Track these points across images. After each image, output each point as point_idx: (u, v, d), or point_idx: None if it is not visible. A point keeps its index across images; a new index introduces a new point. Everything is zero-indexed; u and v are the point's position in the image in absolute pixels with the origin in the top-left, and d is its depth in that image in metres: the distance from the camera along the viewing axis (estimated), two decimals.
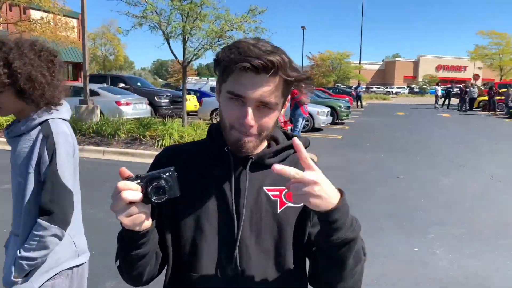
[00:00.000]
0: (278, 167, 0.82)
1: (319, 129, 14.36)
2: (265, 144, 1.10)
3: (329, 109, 14.94)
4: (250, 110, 0.94)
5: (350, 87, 39.37)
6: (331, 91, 27.65)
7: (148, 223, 0.89)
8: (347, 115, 17.34)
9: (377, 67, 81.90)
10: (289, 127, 10.74)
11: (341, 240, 0.89)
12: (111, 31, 32.92)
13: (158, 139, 9.30)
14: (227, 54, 0.94)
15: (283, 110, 1.07)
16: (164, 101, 14.96)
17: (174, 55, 10.83)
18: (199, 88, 20.07)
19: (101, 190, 6.31)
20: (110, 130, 9.72)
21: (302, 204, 1.01)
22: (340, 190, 0.90)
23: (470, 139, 13.04)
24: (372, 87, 60.54)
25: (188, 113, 16.16)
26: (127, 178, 0.86)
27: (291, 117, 10.44)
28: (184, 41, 10.40)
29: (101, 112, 11.31)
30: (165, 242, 1.05)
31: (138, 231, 0.89)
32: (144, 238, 0.92)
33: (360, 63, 44.75)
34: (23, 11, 22.28)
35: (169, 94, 15.63)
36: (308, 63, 45.64)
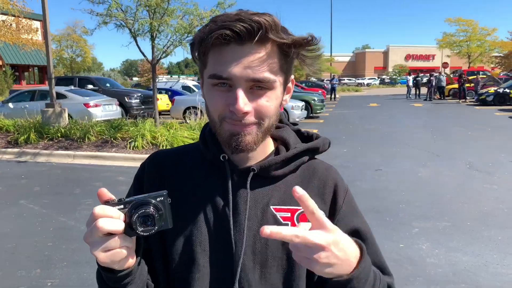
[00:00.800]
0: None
1: (294, 124, 14.20)
2: (271, 147, 0.89)
3: (303, 103, 14.88)
4: (240, 92, 0.73)
5: (322, 80, 39.61)
6: (303, 84, 27.68)
7: (131, 261, 0.70)
8: (322, 109, 17.34)
9: (347, 59, 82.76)
10: None
11: None
12: (76, 32, 31.99)
13: (130, 140, 8.99)
14: (202, 29, 0.74)
15: (287, 96, 0.85)
16: (134, 101, 14.62)
17: (143, 53, 10.47)
18: (170, 87, 19.73)
19: (71, 196, 6.01)
20: (80, 133, 9.38)
21: None
22: (360, 247, 0.71)
23: (444, 128, 13.21)
24: (344, 79, 61.14)
25: (160, 113, 15.82)
26: (107, 202, 0.67)
27: None
28: (152, 39, 10.05)
29: (69, 115, 10.88)
30: (155, 271, 0.85)
31: (118, 269, 0.69)
32: (127, 278, 0.72)
33: (331, 55, 45.04)
34: None
35: (139, 94, 15.30)
36: None
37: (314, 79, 39.30)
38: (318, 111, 17.13)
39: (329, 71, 43.31)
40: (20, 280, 3.50)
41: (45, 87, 12.84)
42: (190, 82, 23.48)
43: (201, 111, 10.66)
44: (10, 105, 12.61)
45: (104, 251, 0.65)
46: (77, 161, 8.42)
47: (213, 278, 0.82)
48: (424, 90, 29.58)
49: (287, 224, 0.83)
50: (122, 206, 0.66)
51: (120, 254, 0.66)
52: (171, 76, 51.76)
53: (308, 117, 15.98)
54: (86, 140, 9.23)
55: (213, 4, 11.07)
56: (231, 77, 0.73)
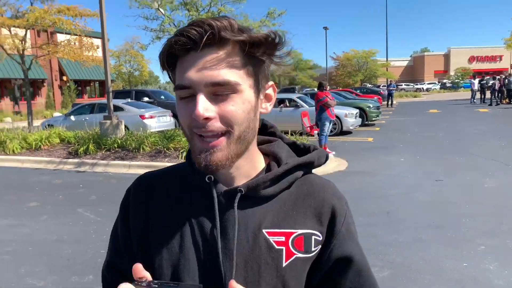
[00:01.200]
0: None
1: (347, 132, 13.84)
2: (261, 164, 0.82)
3: (357, 111, 14.39)
4: (200, 97, 0.68)
5: (378, 86, 38.40)
6: (358, 91, 26.95)
7: None
8: (377, 116, 16.70)
9: (405, 63, 79.67)
10: (315, 132, 10.32)
11: None
12: (134, 48, 33.75)
13: (182, 150, 9.16)
14: (163, 46, 0.71)
15: (269, 105, 0.80)
16: None
17: None
18: None
19: None
20: (135, 144, 9.68)
21: (315, 253, 0.77)
22: None
23: None
24: (401, 85, 58.89)
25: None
26: (138, 283, 0.64)
27: (317, 121, 10.00)
28: None
29: (125, 127, 11.30)
30: None
31: None
32: None
33: (387, 60, 43.60)
34: (50, 36, 23.04)
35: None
36: (333, 64, 45.04)
37: (369, 85, 38.23)
38: (373, 119, 16.51)
39: (385, 77, 41.96)
40: (73, 285, 3.60)
41: (103, 100, 13.49)
42: None
43: None
44: (72, 117, 13.36)
45: None
46: (132, 171, 8.66)
47: None
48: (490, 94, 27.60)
49: (281, 250, 0.75)
50: None
51: None
52: None
53: (363, 124, 15.44)
54: (141, 150, 9.50)
55: (263, 14, 11.04)
56: (189, 83, 0.69)
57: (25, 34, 12.01)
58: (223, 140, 0.71)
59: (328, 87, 10.23)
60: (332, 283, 0.80)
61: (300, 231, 0.77)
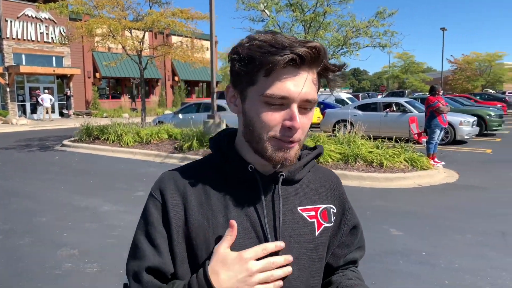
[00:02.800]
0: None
1: (462, 142, 12.55)
2: None
3: (475, 118, 12.95)
4: (296, 111, 0.81)
5: (504, 92, 34.44)
6: (478, 97, 24.41)
7: None
8: (499, 125, 14.87)
9: None
10: (423, 140, 9.53)
11: None
12: None
13: None
14: (257, 52, 0.79)
15: None
16: None
17: None
18: (323, 100, 19.65)
19: None
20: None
21: (333, 223, 0.98)
22: None
23: None
24: None
25: (311, 126, 15.83)
26: None
27: (426, 128, 9.22)
28: None
29: (226, 126, 11.70)
30: None
31: None
32: None
33: None
34: (166, 38, 25.00)
35: None
36: (449, 67, 41.57)
37: (492, 91, 34.47)
38: (494, 128, 14.74)
39: None
40: None
41: (208, 100, 14.14)
42: (344, 95, 23.05)
43: (351, 124, 10.19)
44: (180, 115, 14.26)
45: None
46: None
47: None
48: None
49: (313, 222, 0.93)
50: None
51: None
52: (325, 89, 51.91)
53: (481, 134, 13.89)
54: None
55: (371, 15, 10.57)
56: (289, 96, 0.80)
57: (143, 36, 13.12)
58: (296, 144, 0.85)
59: (442, 91, 9.35)
60: (347, 242, 1.04)
61: (323, 206, 0.96)
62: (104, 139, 12.39)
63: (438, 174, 7.86)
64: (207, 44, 15.02)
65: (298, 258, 0.88)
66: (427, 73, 53.73)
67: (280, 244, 0.82)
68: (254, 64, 0.80)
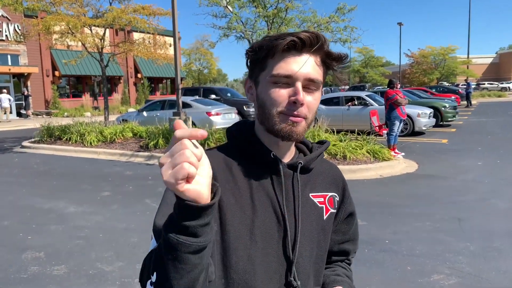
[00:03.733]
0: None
1: (420, 133, 13.10)
2: (294, 148, 1.06)
3: (431, 110, 13.54)
4: (300, 86, 0.90)
5: (457, 85, 35.99)
6: (434, 90, 25.44)
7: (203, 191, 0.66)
8: (454, 116, 15.61)
9: (489, 60, 73.66)
10: (384, 132, 9.88)
11: None
12: (204, 46, 34.79)
13: None
14: (265, 41, 0.91)
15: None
16: (252, 110, 15.04)
17: None
18: None
19: None
20: (200, 140, 9.90)
21: (336, 208, 1.09)
22: None
23: None
24: (484, 83, 54.60)
25: None
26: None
27: (386, 121, 9.56)
28: None
29: (193, 123, 11.66)
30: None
31: (203, 204, 0.65)
32: (210, 216, 0.68)
33: (468, 57, 40.68)
34: (127, 34, 24.45)
35: None
36: (407, 61, 42.96)
37: (446, 84, 35.96)
38: (449, 119, 15.46)
39: (465, 75, 39.23)
40: (137, 272, 3.73)
41: (173, 97, 14.01)
42: None
43: (315, 119, 10.45)
44: (144, 113, 14.04)
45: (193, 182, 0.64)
46: None
47: (273, 259, 0.94)
48: None
49: (322, 207, 1.05)
50: None
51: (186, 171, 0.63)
52: None
53: (437, 125, 14.54)
54: (206, 146, 9.71)
55: (331, 10, 10.77)
56: (293, 75, 0.90)
57: (104, 33, 12.80)
58: (303, 120, 0.93)
59: (399, 84, 9.72)
60: (343, 229, 1.14)
61: (330, 194, 1.07)
62: (66, 139, 12.03)
63: (398, 165, 8.20)
64: (170, 40, 14.83)
65: (309, 237, 0.99)
66: (386, 67, 55.33)
67: (202, 133, 0.65)
68: (262, 50, 0.91)
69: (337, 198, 1.09)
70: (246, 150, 0.99)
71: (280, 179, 0.97)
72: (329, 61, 0.95)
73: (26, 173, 8.74)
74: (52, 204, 6.08)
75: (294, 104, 0.90)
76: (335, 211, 1.07)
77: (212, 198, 0.68)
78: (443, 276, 3.52)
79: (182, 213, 0.66)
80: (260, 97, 0.95)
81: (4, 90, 23.86)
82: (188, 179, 0.63)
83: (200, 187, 0.65)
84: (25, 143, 12.62)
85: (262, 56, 0.92)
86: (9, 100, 22.94)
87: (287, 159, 1.02)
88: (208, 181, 0.67)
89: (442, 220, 4.97)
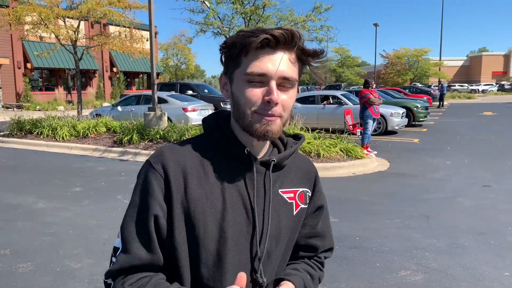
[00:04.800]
0: None
1: (393, 132, 13.38)
2: (268, 142, 1.05)
3: (404, 110, 13.87)
4: (274, 85, 0.89)
5: (429, 86, 36.86)
6: (407, 90, 26.00)
7: None
8: (425, 117, 16.03)
9: (460, 63, 75.80)
10: (358, 130, 10.05)
11: None
12: (182, 41, 34.43)
13: None
14: (239, 37, 0.89)
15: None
16: (229, 107, 14.98)
17: None
18: None
19: None
20: (176, 135, 9.86)
21: (307, 204, 1.09)
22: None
23: None
24: (455, 85, 56.14)
25: None
26: None
27: (360, 119, 9.73)
28: None
29: (168, 119, 11.54)
30: (180, 259, 0.94)
31: None
32: None
33: (440, 59, 41.71)
34: (103, 27, 23.99)
35: None
36: (382, 62, 43.71)
37: (419, 85, 36.77)
38: (421, 119, 15.87)
39: (437, 76, 40.19)
40: (107, 269, 3.69)
41: (149, 92, 13.83)
42: None
43: (291, 117, 10.53)
44: (119, 108, 13.81)
45: None
46: None
47: (242, 255, 0.95)
48: None
49: (292, 203, 1.04)
50: None
51: None
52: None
53: (409, 125, 14.89)
54: None
55: (308, 9, 10.85)
56: (267, 73, 0.88)
57: (78, 25, 12.51)
58: (278, 119, 0.92)
59: (375, 85, 9.91)
60: (311, 223, 1.13)
61: (301, 189, 1.07)
62: (38, 133, 11.71)
63: (371, 163, 8.36)
64: (147, 34, 14.62)
65: (277, 233, 1.00)
66: (362, 67, 56.13)
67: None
68: (235, 47, 0.89)
69: (309, 194, 1.09)
70: (220, 144, 0.99)
71: (252, 175, 0.97)
72: (305, 57, 0.93)
73: None
74: (20, 199, 5.92)
75: (268, 103, 0.89)
76: (306, 206, 1.07)
77: None
78: (410, 272, 3.62)
79: None
80: (235, 95, 0.94)
81: None
82: None
83: None
84: None
85: (236, 53, 0.90)
86: None
87: (261, 154, 1.02)
88: None
89: (411, 217, 5.10)
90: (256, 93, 0.90)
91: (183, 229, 0.93)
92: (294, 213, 1.03)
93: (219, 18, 10.37)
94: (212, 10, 10.05)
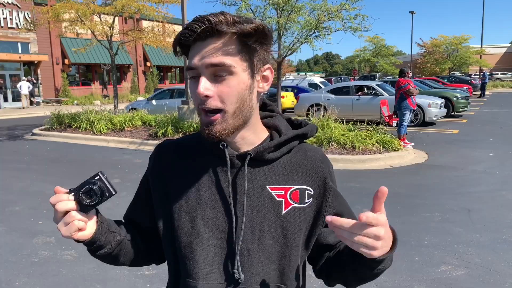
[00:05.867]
0: (330, 219, 0.77)
1: (430, 123, 12.95)
2: (264, 134, 1.00)
3: (443, 100, 13.38)
4: (202, 78, 0.85)
5: (469, 75, 35.47)
6: (445, 80, 25.11)
7: (86, 233, 0.90)
8: (466, 107, 15.40)
9: (503, 50, 72.17)
10: (394, 122, 9.79)
11: (379, 271, 0.88)
12: None
13: None
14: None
15: (266, 85, 0.96)
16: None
17: None
18: (296, 84, 19.77)
19: None
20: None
21: (308, 204, 0.97)
22: (393, 231, 0.85)
23: None
24: (497, 74, 53.70)
25: (285, 110, 16.00)
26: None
27: (396, 110, 9.47)
28: (279, 36, 10.11)
29: None
30: (163, 244, 1.01)
31: (82, 240, 0.90)
32: (95, 245, 0.93)
33: (481, 46, 39.98)
34: (136, 22, 24.44)
35: (265, 92, 15.55)
36: (418, 51, 42.40)
37: (459, 74, 35.46)
38: (461, 110, 15.25)
39: (478, 65, 38.59)
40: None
41: (182, 86, 13.99)
42: (317, 79, 23.23)
43: (325, 108, 10.40)
44: (153, 102, 14.07)
45: (64, 225, 0.86)
46: None
47: (216, 249, 0.94)
48: None
49: (281, 201, 0.95)
50: (72, 192, 0.87)
51: (73, 226, 0.86)
52: (298, 74, 51.94)
53: (448, 116, 14.35)
54: None
55: None
56: (194, 65, 0.85)
57: (113, 21, 12.79)
58: (218, 116, 0.87)
59: (411, 74, 9.60)
60: (330, 232, 1.02)
61: (296, 187, 0.96)
62: (76, 127, 12.13)
63: (408, 155, 8.13)
64: (179, 28, 14.81)
65: (260, 232, 0.93)
66: (397, 56, 54.64)
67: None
68: (173, 48, 0.92)
69: (310, 192, 0.98)
70: (201, 140, 0.99)
71: (227, 170, 0.94)
72: (243, 38, 0.85)
73: (37, 160, 8.84)
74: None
75: (199, 97, 0.86)
76: (303, 205, 0.96)
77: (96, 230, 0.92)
78: (451, 267, 3.50)
79: (86, 245, 0.94)
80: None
81: (24, 78, 24.43)
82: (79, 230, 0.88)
83: (83, 233, 0.89)
84: (35, 131, 12.75)
85: (176, 51, 0.92)
86: (29, 87, 23.46)
87: (245, 148, 0.96)
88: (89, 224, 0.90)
89: (452, 211, 4.93)
90: (193, 89, 0.88)
91: (161, 218, 0.99)
92: (283, 212, 0.94)
93: (251, 10, 10.31)
94: (244, 2, 10.01)
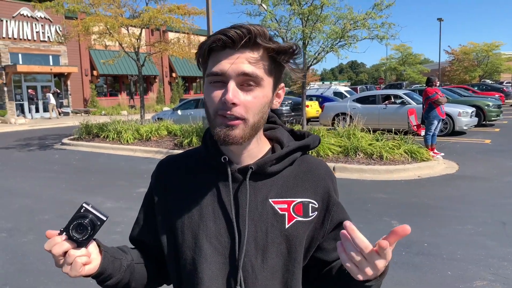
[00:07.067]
0: (348, 224, 0.75)
1: (461, 133, 12.58)
2: (266, 146, 0.99)
3: (473, 109, 12.98)
4: (231, 84, 0.84)
5: (501, 83, 34.41)
6: (476, 88, 24.42)
7: (92, 266, 0.87)
8: (498, 115, 14.90)
9: None
10: (422, 131, 9.55)
11: None
12: None
13: None
14: (206, 40, 0.88)
15: (277, 102, 0.96)
16: (285, 108, 14.94)
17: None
18: (321, 93, 19.66)
19: None
20: None
21: (312, 217, 0.96)
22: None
23: None
24: None
25: (310, 120, 15.89)
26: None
27: (424, 119, 9.24)
28: (304, 46, 10.07)
29: None
30: (167, 261, 1.00)
31: (89, 275, 0.87)
32: (104, 275, 0.90)
33: None
34: (162, 34, 24.91)
35: (290, 102, 15.56)
36: (446, 58, 41.50)
37: (490, 82, 34.45)
38: (493, 118, 14.77)
39: (510, 72, 37.43)
40: None
41: None
42: (342, 88, 23.00)
43: (351, 117, 10.25)
44: (179, 112, 14.24)
45: (68, 265, 0.83)
46: None
47: (220, 265, 0.92)
48: None
49: (284, 215, 0.94)
50: (63, 232, 0.84)
51: (77, 264, 0.83)
52: (323, 83, 51.59)
53: (479, 125, 13.91)
54: None
55: (368, 7, 10.53)
56: (223, 72, 0.84)
57: (140, 33, 13.09)
58: (240, 122, 0.86)
59: (438, 82, 9.36)
60: (335, 237, 0.98)
61: (299, 200, 0.95)
62: (104, 136, 12.39)
63: (438, 165, 7.89)
64: (204, 39, 14.98)
65: (263, 246, 0.92)
66: (424, 64, 53.62)
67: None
68: (201, 50, 0.88)
69: (315, 205, 0.96)
70: (201, 154, 1.00)
71: (228, 184, 0.93)
72: (275, 55, 0.87)
73: (66, 169, 9.05)
74: (90, 200, 6.17)
75: (226, 103, 0.85)
76: (307, 219, 0.95)
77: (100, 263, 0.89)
78: (487, 283, 3.34)
79: (95, 277, 0.91)
80: (204, 98, 0.92)
81: (53, 89, 25.51)
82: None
83: (89, 267, 0.87)
84: (65, 140, 13.09)
85: (203, 55, 0.89)
86: (54, 98, 24.50)
87: (247, 161, 0.95)
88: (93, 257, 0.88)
89: (485, 224, 4.73)
90: (216, 94, 0.86)
91: (165, 235, 0.99)
92: (287, 225, 0.93)
93: (276, 20, 10.32)
94: (269, 12, 10.03)
